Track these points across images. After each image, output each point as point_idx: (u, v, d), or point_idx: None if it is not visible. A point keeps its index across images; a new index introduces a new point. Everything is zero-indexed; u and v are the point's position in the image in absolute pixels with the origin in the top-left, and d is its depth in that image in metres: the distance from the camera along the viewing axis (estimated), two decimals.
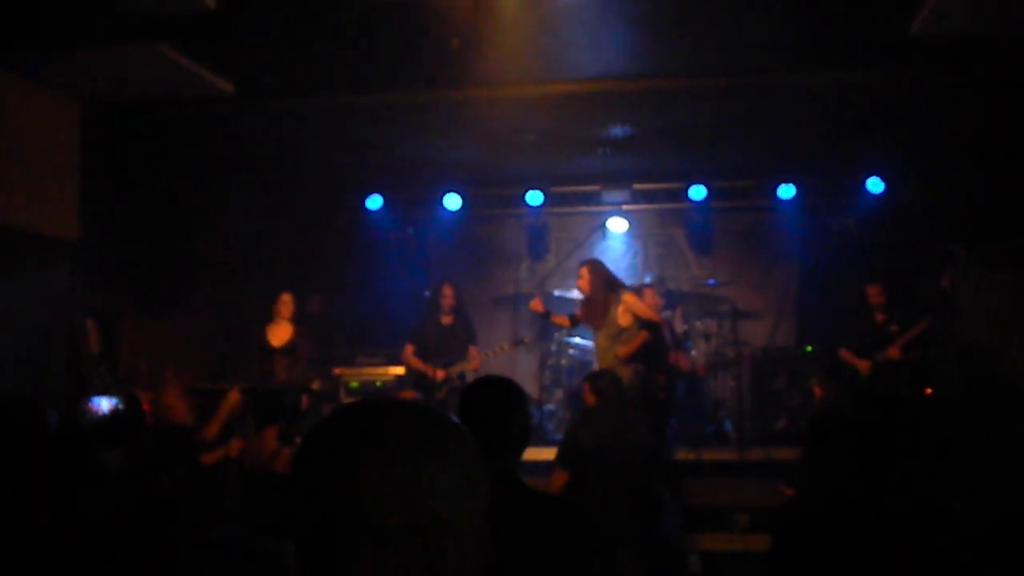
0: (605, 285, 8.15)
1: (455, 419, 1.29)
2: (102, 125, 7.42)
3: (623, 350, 7.85)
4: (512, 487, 2.79)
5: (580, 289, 8.30)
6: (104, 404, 6.15)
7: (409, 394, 8.14)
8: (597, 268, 8.25)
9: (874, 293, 8.73)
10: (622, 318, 7.95)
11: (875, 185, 9.97)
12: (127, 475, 3.47)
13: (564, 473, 5.82)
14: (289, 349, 8.65)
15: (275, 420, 5.71)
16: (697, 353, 9.92)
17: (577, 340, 10.08)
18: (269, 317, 8.76)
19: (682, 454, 8.73)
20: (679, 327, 9.82)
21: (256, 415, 5.86)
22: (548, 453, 7.09)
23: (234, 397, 6.10)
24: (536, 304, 8.52)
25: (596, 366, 8.05)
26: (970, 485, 3.47)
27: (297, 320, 8.80)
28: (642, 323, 7.98)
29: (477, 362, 8.82)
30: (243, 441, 5.68)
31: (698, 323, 10.20)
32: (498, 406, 2.90)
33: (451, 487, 1.21)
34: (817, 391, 7.18)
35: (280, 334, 8.70)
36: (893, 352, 8.36)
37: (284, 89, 7.43)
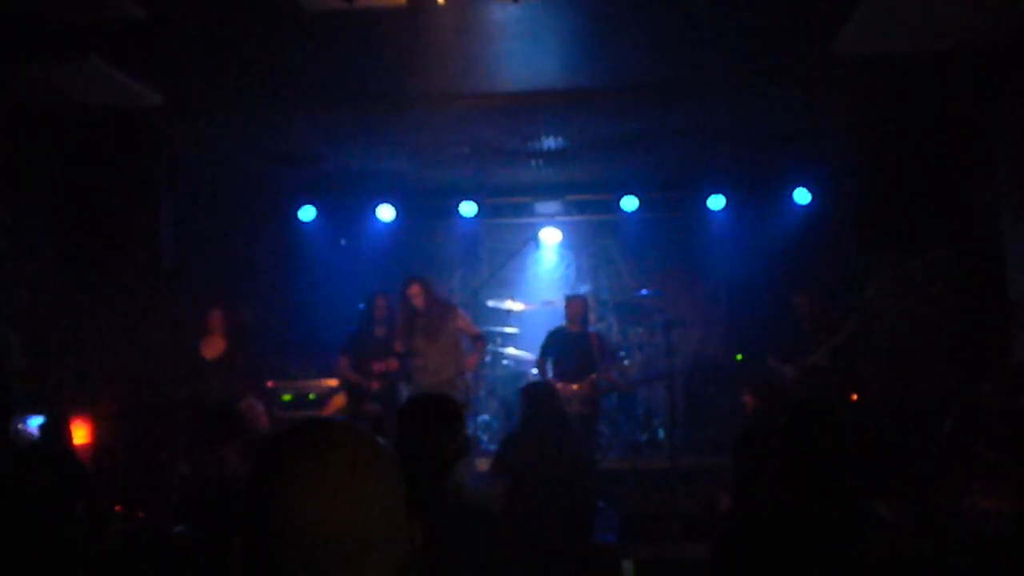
0: (438, 301, 8.37)
1: (384, 442, 1.39)
2: (25, 135, 7.26)
3: (472, 360, 8.40)
4: (452, 506, 2.82)
5: (416, 306, 8.37)
6: (33, 424, 6.03)
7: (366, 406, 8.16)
8: (430, 284, 8.39)
9: (801, 302, 8.91)
10: (455, 334, 8.34)
11: (802, 196, 10.20)
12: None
13: (500, 483, 5.85)
14: (223, 362, 8.54)
15: (233, 436, 5.60)
16: (631, 363, 10.01)
17: (511, 351, 10.12)
18: (201, 331, 8.65)
19: (616, 463, 8.80)
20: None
21: (211, 431, 5.72)
22: (484, 463, 7.11)
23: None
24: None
25: (426, 381, 8.18)
26: (893, 489, 3.59)
27: (229, 333, 8.69)
28: (475, 337, 8.52)
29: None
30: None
31: (631, 333, 10.31)
32: (436, 426, 2.93)
33: (385, 507, 1.32)
34: (747, 400, 7.28)
35: (213, 347, 8.59)
36: (819, 360, 8.54)
37: (214, 101, 7.36)
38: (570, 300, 9.08)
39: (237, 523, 1.32)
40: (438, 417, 2.96)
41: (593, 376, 8.68)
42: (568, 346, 8.76)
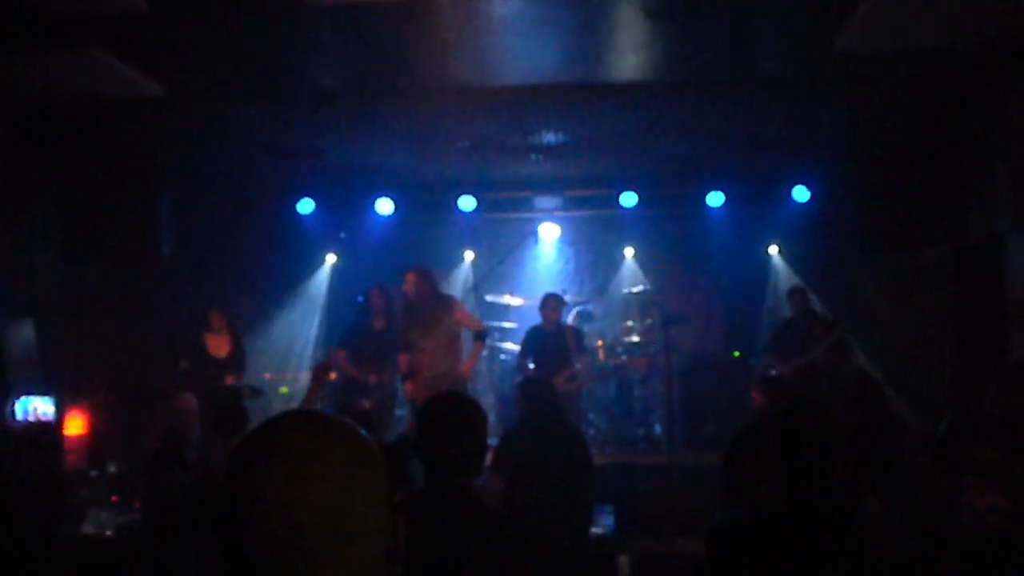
0: (435, 294, 8.33)
1: (366, 433, 1.36)
2: (27, 126, 7.25)
3: (466, 366, 8.33)
4: (470, 505, 2.84)
5: (407, 294, 8.37)
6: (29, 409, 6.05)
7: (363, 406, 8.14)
8: (426, 275, 8.37)
9: (796, 300, 8.92)
10: (454, 327, 8.29)
11: (801, 194, 10.19)
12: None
13: (498, 479, 5.85)
14: (230, 361, 8.51)
15: (239, 428, 5.68)
16: (629, 359, 10.00)
17: (509, 346, 10.11)
18: (201, 324, 8.62)
19: (613, 458, 8.80)
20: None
21: (221, 423, 5.81)
22: None
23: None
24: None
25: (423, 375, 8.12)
26: (889, 487, 3.60)
27: (233, 330, 8.67)
28: (477, 332, 8.47)
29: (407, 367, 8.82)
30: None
31: (630, 329, 10.31)
32: (459, 426, 2.93)
33: (365, 500, 1.29)
34: (756, 397, 7.28)
35: (220, 347, 8.55)
36: (815, 357, 8.52)
37: (214, 93, 7.34)
38: (544, 299, 9.09)
39: (216, 514, 1.31)
40: (459, 418, 2.96)
41: (570, 370, 8.67)
42: (543, 343, 8.80)
